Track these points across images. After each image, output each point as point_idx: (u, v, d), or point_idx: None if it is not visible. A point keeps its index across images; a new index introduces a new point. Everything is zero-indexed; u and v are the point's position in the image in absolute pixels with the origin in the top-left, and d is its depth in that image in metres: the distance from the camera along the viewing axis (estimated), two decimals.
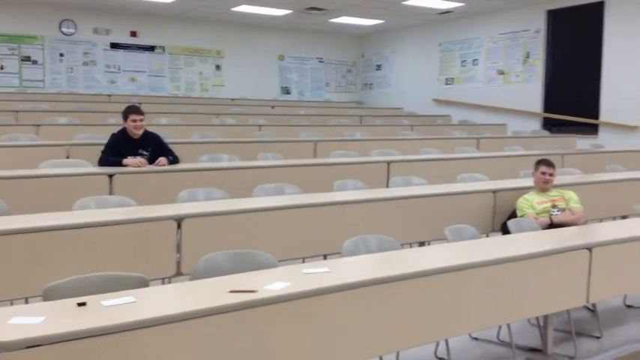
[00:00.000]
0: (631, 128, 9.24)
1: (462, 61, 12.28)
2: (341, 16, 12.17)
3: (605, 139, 9.49)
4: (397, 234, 3.46)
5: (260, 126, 8.57)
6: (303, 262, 3.66)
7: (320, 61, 14.65)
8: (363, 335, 2.52)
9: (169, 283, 3.49)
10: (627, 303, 4.49)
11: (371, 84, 14.78)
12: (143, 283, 2.42)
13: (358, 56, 15.04)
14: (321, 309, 2.40)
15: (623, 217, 5.40)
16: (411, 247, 4.26)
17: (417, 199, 4.68)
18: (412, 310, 2.66)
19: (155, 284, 2.78)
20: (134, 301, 2.15)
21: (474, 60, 12.02)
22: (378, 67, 14.49)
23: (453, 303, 2.81)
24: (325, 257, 3.88)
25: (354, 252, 3.06)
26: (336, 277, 2.55)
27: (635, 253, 3.56)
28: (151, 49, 12.54)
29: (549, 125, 10.50)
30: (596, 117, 9.77)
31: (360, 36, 14.78)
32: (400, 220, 4.47)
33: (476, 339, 3.78)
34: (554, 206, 4.65)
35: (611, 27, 9.51)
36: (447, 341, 3.27)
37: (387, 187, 5.61)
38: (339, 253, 3.14)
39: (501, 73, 11.48)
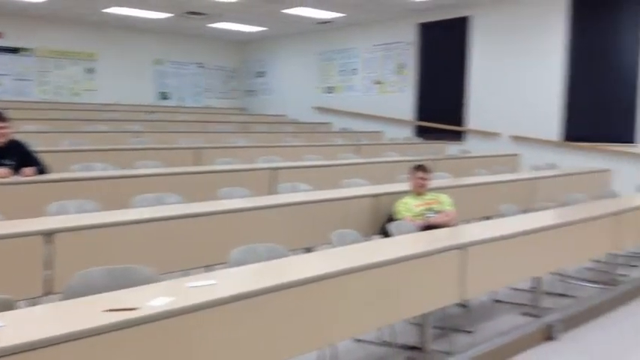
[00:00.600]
0: (493, 135, 10.02)
1: (341, 71, 12.64)
2: (221, 21, 12.04)
3: (471, 145, 10.22)
4: (285, 241, 3.47)
5: (137, 132, 8.23)
6: (190, 275, 3.55)
7: (200, 67, 14.38)
8: (250, 347, 2.49)
9: (39, 303, 3.22)
10: (496, 298, 4.84)
11: (254, 90, 14.76)
12: (8, 306, 2.21)
13: (240, 62, 14.97)
14: (208, 323, 2.33)
15: (488, 218, 5.82)
16: (304, 252, 4.28)
17: (304, 205, 4.73)
18: (299, 318, 2.67)
19: (24, 305, 2.55)
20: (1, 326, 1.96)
21: (353, 70, 12.42)
22: (261, 73, 14.51)
23: (337, 308, 2.86)
24: (211, 269, 3.79)
25: (241, 262, 3.01)
26: (224, 289, 2.50)
27: (503, 251, 3.85)
28: (15, 50, 11.61)
29: (421, 132, 11.09)
30: (463, 125, 10.49)
31: (241, 42, 14.71)
32: (288, 227, 4.49)
33: (359, 341, 3.87)
34: (429, 209, 4.91)
35: (475, 41, 10.27)
36: (331, 346, 3.33)
37: (273, 194, 5.62)
38: (226, 264, 3.08)
39: (378, 82, 11.96)
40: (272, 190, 5.82)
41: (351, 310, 2.94)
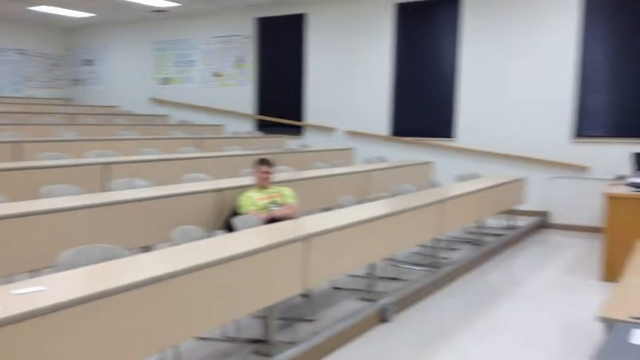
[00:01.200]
0: (330, 130, 10.44)
1: (178, 62, 12.27)
2: (41, 4, 11.01)
3: (310, 139, 10.54)
4: (122, 240, 3.29)
5: None
6: (13, 282, 3.20)
7: (20, 53, 13.04)
8: (84, 356, 2.32)
9: None
10: (335, 285, 5.05)
11: (81, 80, 13.74)
12: None
13: (65, 50, 13.83)
14: (37, 333, 2.13)
15: (328, 209, 6.05)
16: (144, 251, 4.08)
17: (142, 202, 4.51)
18: (137, 321, 2.55)
19: None
20: None
21: (190, 61, 12.12)
22: (89, 62, 13.55)
23: (179, 308, 2.78)
24: (37, 274, 3.46)
25: (73, 264, 2.79)
26: (54, 295, 2.30)
27: (342, 240, 4.02)
28: None
29: (262, 126, 11.19)
30: (302, 119, 10.78)
31: (67, 28, 13.60)
32: (124, 226, 4.26)
33: (202, 339, 3.81)
34: (273, 202, 4.98)
35: (311, 38, 10.58)
36: (174, 347, 3.23)
37: (107, 190, 5.29)
38: (54, 267, 2.83)
39: (216, 75, 11.81)
40: (105, 187, 5.48)
41: (194, 310, 2.87)
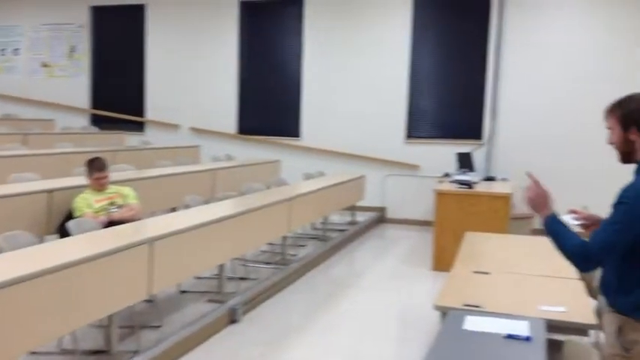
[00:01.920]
0: (174, 126, 10.10)
1: (1, 50, 11.05)
2: None
3: (152, 136, 10.10)
4: None
5: None
6: None
7: None
8: None
9: None
10: (182, 289, 4.89)
11: None
12: None
13: None
14: None
15: (174, 209, 5.85)
16: None
17: None
18: None
19: None
20: None
21: (15, 49, 10.97)
22: None
23: (8, 323, 2.50)
24: None
25: None
26: None
27: (189, 242, 3.90)
28: None
29: (98, 122, 10.49)
30: (143, 115, 10.29)
31: None
32: None
33: (35, 353, 3.47)
34: (112, 203, 4.68)
35: (152, 30, 10.15)
36: None
37: None
38: None
39: (45, 65, 10.84)
40: None
41: (28, 322, 2.60)
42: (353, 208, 8.15)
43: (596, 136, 7.93)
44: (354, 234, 7.56)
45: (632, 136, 2.10)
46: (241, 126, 9.79)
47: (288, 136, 9.50)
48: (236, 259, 5.22)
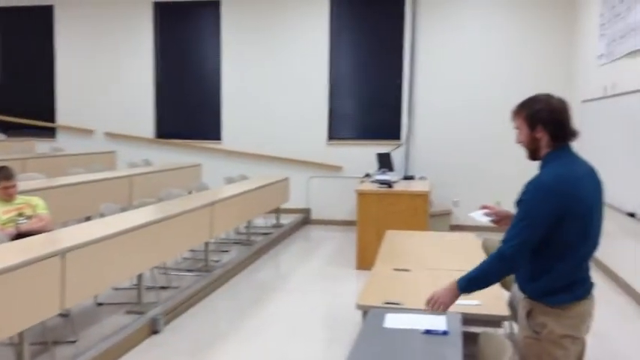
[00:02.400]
0: (88, 131, 9.69)
1: None
2: None
3: (64, 142, 9.65)
4: None
5: None
6: None
7: None
8: None
9: None
10: (98, 301, 4.69)
11: None
12: None
13: None
14: None
15: (88, 219, 5.61)
16: None
17: None
18: None
19: None
20: None
21: None
22: None
23: None
24: None
25: None
26: None
27: (104, 252, 3.74)
28: None
29: (5, 128, 9.89)
30: (54, 120, 9.81)
31: None
32: None
33: None
34: (20, 214, 4.41)
35: (61, 32, 9.70)
36: None
37: None
38: None
39: None
40: None
41: None
42: (277, 211, 8.13)
43: (508, 135, 8.35)
44: (278, 237, 7.54)
45: (538, 135, 2.22)
46: (159, 130, 9.54)
47: (208, 139, 9.35)
48: (156, 267, 5.07)
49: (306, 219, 8.96)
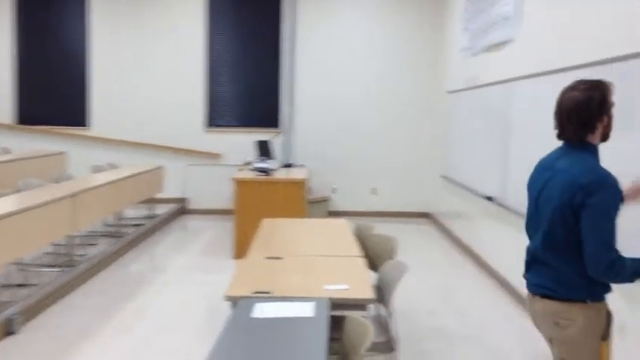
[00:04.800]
0: None
1: None
2: None
3: None
4: None
5: None
6: None
7: None
8: None
9: None
10: None
11: None
12: None
13: None
14: None
15: None
16: None
17: None
18: None
19: None
20: None
21: None
22: None
23: None
24: None
25: None
26: None
27: None
28: None
29: None
30: None
31: None
32: None
33: None
34: None
35: None
36: None
37: None
38: None
39: None
40: None
41: None
42: (151, 201, 7.81)
43: (384, 125, 8.66)
44: (152, 228, 7.25)
45: None
46: (21, 115, 8.78)
47: (74, 125, 8.75)
48: (13, 263, 4.65)
49: (182, 209, 8.70)
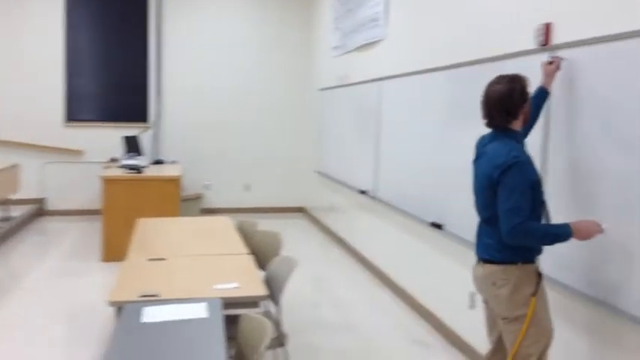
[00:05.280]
0: None
1: None
2: None
3: None
4: None
5: None
6: None
7: None
8: None
9: None
10: None
11: None
12: None
13: None
14: None
15: None
16: None
17: None
18: None
19: None
20: None
21: None
22: None
23: None
24: None
25: None
26: None
27: None
28: None
29: None
30: None
31: None
32: None
33: None
34: None
35: None
36: None
37: None
38: None
39: None
40: None
41: None
42: (5, 203, 7.13)
43: (255, 120, 8.65)
44: (8, 232, 6.63)
45: None
46: None
47: None
48: None
49: (40, 210, 8.05)
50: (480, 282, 2.51)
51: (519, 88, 2.37)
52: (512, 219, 2.22)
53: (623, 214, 2.34)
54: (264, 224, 7.26)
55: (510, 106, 2.36)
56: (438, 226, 3.97)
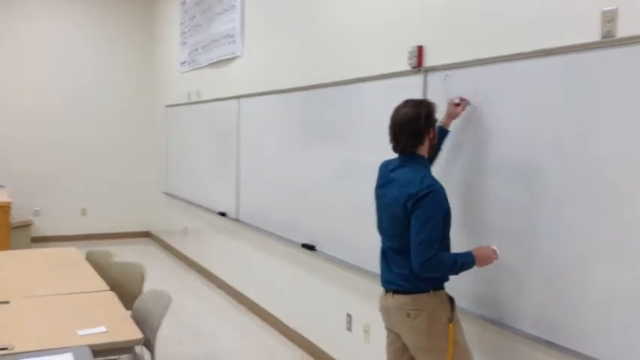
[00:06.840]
0: None
1: None
2: None
3: None
4: None
5: None
6: None
7: None
8: None
9: None
10: None
11: None
12: None
13: None
14: None
15: None
16: None
17: None
18: None
19: None
20: None
21: None
22: None
23: None
24: None
25: None
26: None
27: None
28: None
29: None
30: None
31: None
32: None
33: None
34: None
35: None
36: None
37: None
38: None
39: None
40: None
41: None
42: None
43: (94, 140, 7.92)
44: None
45: None
46: None
47: None
48: None
49: None
50: (391, 313, 2.38)
51: (425, 112, 2.32)
52: (425, 252, 2.16)
53: (511, 238, 2.40)
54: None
55: (417, 129, 2.31)
56: (310, 247, 3.88)
